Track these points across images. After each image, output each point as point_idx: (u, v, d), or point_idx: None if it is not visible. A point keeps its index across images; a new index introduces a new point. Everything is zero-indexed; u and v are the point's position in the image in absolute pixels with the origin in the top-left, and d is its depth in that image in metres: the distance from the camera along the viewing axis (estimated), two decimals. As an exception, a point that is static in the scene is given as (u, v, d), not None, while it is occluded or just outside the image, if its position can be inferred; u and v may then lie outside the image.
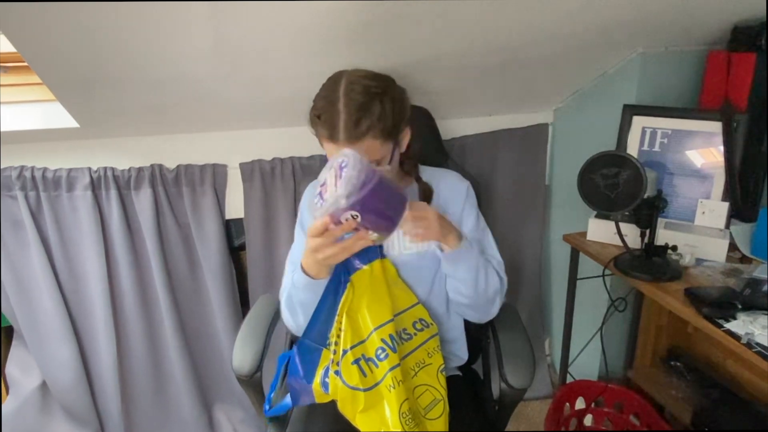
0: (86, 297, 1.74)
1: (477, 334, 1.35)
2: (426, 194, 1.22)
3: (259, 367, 1.19)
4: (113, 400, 1.82)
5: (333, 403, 1.09)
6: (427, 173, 1.27)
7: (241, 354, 1.20)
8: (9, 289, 1.68)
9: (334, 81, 1.08)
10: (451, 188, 1.26)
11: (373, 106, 1.03)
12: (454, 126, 1.86)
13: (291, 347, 1.46)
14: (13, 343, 1.82)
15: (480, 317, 1.22)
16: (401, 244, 1.21)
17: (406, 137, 1.16)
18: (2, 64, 1.52)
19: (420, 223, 1.02)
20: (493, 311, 1.21)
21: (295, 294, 1.12)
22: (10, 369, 1.80)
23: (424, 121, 1.50)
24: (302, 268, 1.07)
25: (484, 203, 1.91)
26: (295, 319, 1.16)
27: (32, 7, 1.00)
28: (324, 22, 1.19)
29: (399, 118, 1.09)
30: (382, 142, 1.05)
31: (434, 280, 1.20)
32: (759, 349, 1.08)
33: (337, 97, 1.04)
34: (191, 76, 1.35)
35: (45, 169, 1.60)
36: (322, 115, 1.05)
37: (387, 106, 1.05)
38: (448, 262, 1.14)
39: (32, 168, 1.60)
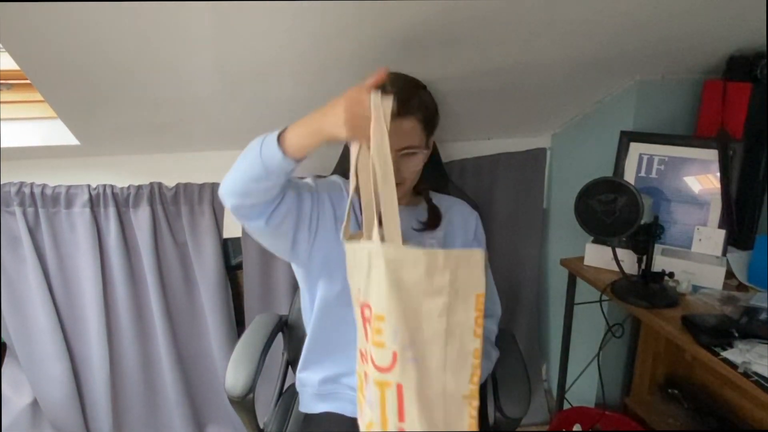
0: (81, 314, 1.73)
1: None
2: (435, 215, 1.23)
3: (252, 389, 1.17)
4: (105, 419, 1.80)
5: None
6: (437, 198, 1.29)
7: (234, 375, 1.19)
8: (3, 305, 1.68)
9: None
10: (462, 217, 1.27)
11: (419, 91, 1.11)
12: (452, 149, 1.87)
13: (287, 369, 1.45)
14: (6, 359, 1.81)
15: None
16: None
17: (431, 145, 1.20)
18: (4, 81, 1.53)
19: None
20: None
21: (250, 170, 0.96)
22: (2, 386, 1.78)
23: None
24: (285, 136, 0.93)
25: (482, 227, 1.93)
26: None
27: (35, 25, 1.01)
28: (324, 46, 1.21)
29: (435, 115, 1.16)
30: (422, 129, 1.09)
31: None
32: (756, 378, 1.07)
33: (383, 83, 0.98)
34: (192, 96, 1.36)
35: (44, 186, 1.61)
36: None
37: (429, 97, 1.12)
38: None
39: (32, 184, 1.60)
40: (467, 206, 1.32)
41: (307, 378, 1.25)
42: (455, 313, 0.88)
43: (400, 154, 1.08)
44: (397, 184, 1.03)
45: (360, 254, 0.93)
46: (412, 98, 1.05)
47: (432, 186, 1.31)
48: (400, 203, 1.18)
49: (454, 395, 0.91)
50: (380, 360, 0.89)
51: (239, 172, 0.98)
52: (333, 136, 0.90)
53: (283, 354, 1.47)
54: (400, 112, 1.03)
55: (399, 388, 0.89)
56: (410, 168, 1.12)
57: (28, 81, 1.48)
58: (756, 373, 1.08)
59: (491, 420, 1.20)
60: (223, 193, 1.01)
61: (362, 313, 0.93)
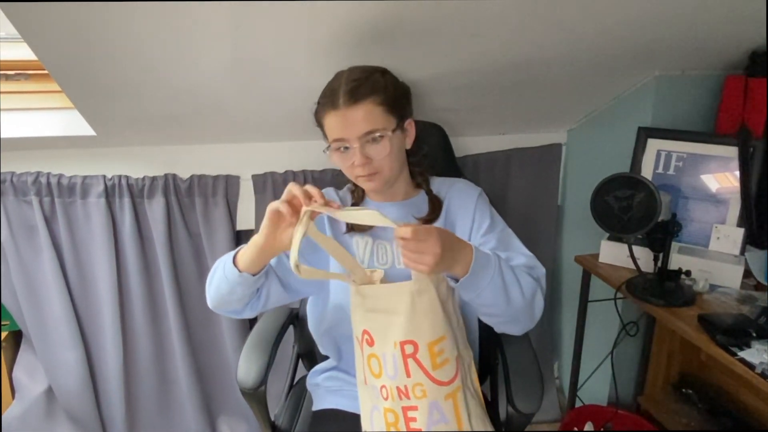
0: (95, 304, 1.75)
1: (485, 354, 1.34)
2: (435, 206, 1.20)
3: (263, 381, 1.17)
4: (118, 407, 1.82)
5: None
6: (437, 182, 1.26)
7: (246, 367, 1.19)
8: (19, 294, 1.69)
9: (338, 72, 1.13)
10: (460, 195, 1.22)
11: (373, 76, 1.08)
12: (467, 144, 1.86)
13: (297, 362, 1.45)
14: (21, 347, 1.83)
15: (524, 327, 1.09)
16: (396, 257, 1.17)
17: (411, 129, 1.16)
18: (22, 72, 1.54)
19: (420, 252, 0.89)
20: (537, 314, 1.07)
21: (226, 285, 1.06)
22: (18, 373, 1.81)
23: (437, 138, 1.49)
24: (236, 257, 1.03)
25: (486, 199, 1.91)
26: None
27: (54, 16, 1.01)
28: (339, 39, 1.21)
29: (400, 93, 1.12)
30: (383, 111, 1.06)
31: None
32: (774, 379, 1.06)
33: (339, 76, 1.09)
34: (208, 88, 1.36)
35: (60, 176, 1.62)
36: (325, 93, 1.08)
37: (388, 79, 1.10)
38: (466, 289, 0.98)
39: (48, 174, 1.62)
40: (466, 183, 1.26)
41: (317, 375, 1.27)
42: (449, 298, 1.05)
43: (364, 140, 1.05)
44: (374, 173, 1.09)
45: (382, 300, 1.02)
46: (361, 85, 1.04)
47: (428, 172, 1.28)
48: (396, 198, 1.21)
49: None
50: (445, 376, 1.00)
51: (213, 288, 1.09)
52: (262, 245, 0.99)
53: (293, 347, 1.47)
54: (350, 101, 1.03)
55: (459, 389, 1.03)
56: (380, 153, 1.07)
57: (45, 71, 1.50)
58: (774, 374, 1.06)
59: (503, 415, 1.20)
60: (209, 303, 1.13)
61: (402, 351, 0.98)
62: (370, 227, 1.17)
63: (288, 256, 0.97)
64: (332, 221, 1.19)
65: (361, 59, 1.28)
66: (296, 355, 1.46)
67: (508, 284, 1.00)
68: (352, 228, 1.18)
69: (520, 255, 1.13)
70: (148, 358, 1.82)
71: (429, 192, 1.23)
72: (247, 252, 1.01)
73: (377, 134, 1.05)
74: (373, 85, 1.06)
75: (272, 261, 1.08)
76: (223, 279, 1.05)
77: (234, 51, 1.22)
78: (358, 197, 1.24)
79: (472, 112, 1.71)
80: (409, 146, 1.17)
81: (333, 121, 1.06)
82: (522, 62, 1.41)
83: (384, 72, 1.12)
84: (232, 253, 1.05)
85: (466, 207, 1.20)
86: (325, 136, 1.11)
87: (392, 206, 1.20)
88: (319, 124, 1.12)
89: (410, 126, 1.15)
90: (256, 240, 0.99)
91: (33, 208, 1.63)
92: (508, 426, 1.17)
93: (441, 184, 1.25)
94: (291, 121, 1.61)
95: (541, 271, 1.12)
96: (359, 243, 1.18)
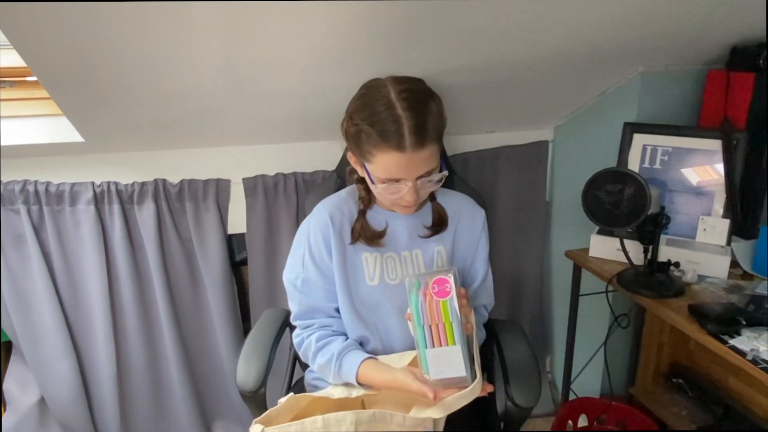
0: (86, 312, 1.73)
1: (481, 350, 1.35)
2: (440, 217, 1.21)
3: (263, 383, 1.18)
4: (112, 416, 1.80)
5: None
6: (443, 193, 1.26)
7: (245, 370, 1.19)
8: (9, 304, 1.67)
9: (376, 89, 1.04)
10: (470, 217, 1.25)
11: (430, 108, 1.01)
12: (455, 142, 1.87)
13: (295, 363, 1.45)
14: (12, 358, 1.80)
15: None
16: (417, 269, 1.19)
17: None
18: (7, 79, 1.52)
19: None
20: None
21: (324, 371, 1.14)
22: (8, 385, 1.78)
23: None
24: (361, 374, 1.07)
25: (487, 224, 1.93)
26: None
27: (42, 21, 1.00)
28: (330, 41, 1.21)
29: (444, 127, 1.08)
30: (437, 149, 1.04)
31: None
32: (765, 365, 1.08)
33: (392, 104, 0.99)
34: (197, 92, 1.36)
35: (48, 183, 1.60)
36: (377, 124, 0.98)
37: (440, 109, 1.04)
38: None
39: (36, 182, 1.60)
40: (473, 204, 1.29)
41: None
42: None
43: (419, 181, 1.04)
44: (414, 204, 1.09)
45: None
46: (425, 125, 0.99)
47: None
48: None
49: None
50: None
51: (316, 367, 1.16)
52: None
53: (290, 349, 1.47)
54: (416, 146, 0.98)
55: None
56: (428, 190, 1.10)
57: (31, 78, 1.48)
58: (765, 360, 1.09)
59: (500, 410, 1.21)
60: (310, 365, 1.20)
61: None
62: (379, 242, 1.17)
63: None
64: (338, 233, 1.17)
65: (351, 60, 1.29)
66: (293, 357, 1.46)
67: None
68: (359, 237, 1.17)
69: (489, 296, 1.27)
70: (141, 365, 1.80)
71: (433, 200, 1.23)
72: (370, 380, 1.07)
73: (431, 174, 1.05)
74: (434, 126, 1.01)
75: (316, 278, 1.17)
76: (332, 375, 1.11)
77: (223, 54, 1.21)
78: (366, 204, 1.20)
79: (460, 110, 1.71)
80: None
81: (392, 162, 1.00)
82: (509, 61, 1.42)
83: (432, 94, 1.06)
84: (357, 365, 1.07)
85: (473, 232, 1.24)
86: (362, 158, 1.06)
87: (402, 218, 1.19)
88: (362, 151, 1.04)
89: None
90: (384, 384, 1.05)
91: (21, 217, 1.61)
92: (507, 421, 1.18)
93: (447, 198, 1.25)
94: (281, 123, 1.61)
95: (490, 307, 1.29)
96: (368, 259, 1.18)
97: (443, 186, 1.22)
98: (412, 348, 1.12)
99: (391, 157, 0.99)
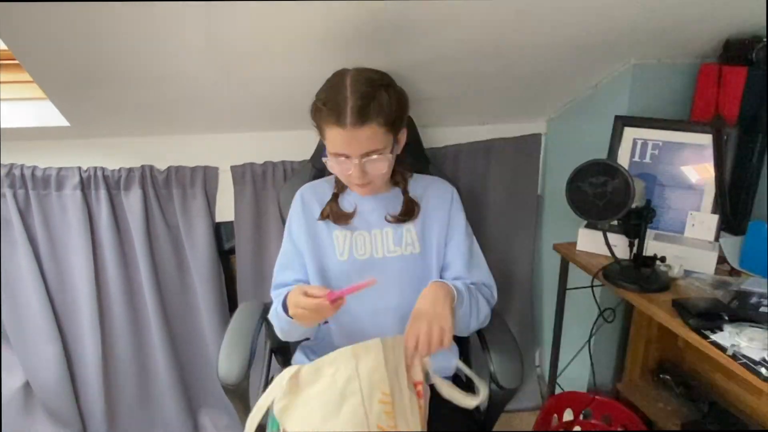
0: (72, 297, 1.73)
1: (460, 339, 1.35)
2: (409, 207, 1.26)
3: (246, 376, 1.17)
4: (97, 401, 1.80)
5: None
6: (415, 181, 1.31)
7: (227, 363, 1.18)
8: (-6, 288, 1.67)
9: (339, 74, 1.14)
10: (435, 194, 1.29)
11: (378, 94, 1.10)
12: (446, 134, 1.86)
13: (271, 357, 1.45)
14: (-2, 342, 1.80)
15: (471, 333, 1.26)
16: (386, 246, 1.24)
17: (403, 138, 1.21)
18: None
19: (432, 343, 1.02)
20: (485, 324, 1.26)
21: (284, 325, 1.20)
22: (-6, 369, 1.79)
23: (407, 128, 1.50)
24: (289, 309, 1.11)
25: (476, 212, 1.92)
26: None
27: (23, 5, 0.99)
28: (318, 27, 1.20)
29: (401, 111, 1.16)
30: (384, 132, 1.10)
31: (418, 284, 1.18)
32: (744, 360, 1.07)
33: (344, 86, 1.10)
34: (184, 76, 1.35)
35: (34, 168, 1.60)
36: (329, 103, 1.09)
37: (392, 97, 1.12)
38: None
39: (21, 166, 1.59)
40: (442, 181, 1.34)
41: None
42: None
43: (364, 160, 1.11)
44: (368, 183, 1.17)
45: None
46: (368, 105, 1.07)
47: (410, 171, 1.33)
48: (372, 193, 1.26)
49: None
50: None
51: (277, 328, 1.24)
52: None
53: (266, 342, 1.46)
54: (356, 123, 1.06)
55: None
56: (377, 170, 1.15)
57: (14, 61, 1.47)
58: (745, 356, 1.08)
59: (484, 394, 1.20)
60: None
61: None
62: (349, 220, 1.25)
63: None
64: (306, 209, 1.27)
65: (338, 48, 1.28)
66: (270, 350, 1.45)
67: (473, 312, 1.17)
68: (327, 216, 1.25)
69: (484, 272, 1.28)
70: (127, 351, 1.80)
71: (405, 193, 1.28)
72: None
73: (377, 154, 1.11)
74: (380, 107, 1.09)
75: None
76: (282, 322, 1.18)
77: (210, 39, 1.20)
78: (340, 189, 1.29)
79: (452, 102, 1.71)
80: (398, 152, 1.21)
81: (337, 137, 1.09)
82: (501, 52, 1.41)
83: (388, 86, 1.14)
84: (282, 299, 1.15)
85: (441, 207, 1.29)
86: (320, 134, 1.16)
87: (369, 200, 1.27)
88: (318, 127, 1.16)
89: (403, 135, 1.21)
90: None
91: (6, 201, 1.60)
92: (490, 404, 1.18)
93: (418, 184, 1.31)
94: (269, 111, 1.60)
95: (495, 289, 1.29)
96: (338, 236, 1.25)
97: (418, 173, 1.34)
98: (379, 318, 1.22)
99: (335, 132, 1.09)
